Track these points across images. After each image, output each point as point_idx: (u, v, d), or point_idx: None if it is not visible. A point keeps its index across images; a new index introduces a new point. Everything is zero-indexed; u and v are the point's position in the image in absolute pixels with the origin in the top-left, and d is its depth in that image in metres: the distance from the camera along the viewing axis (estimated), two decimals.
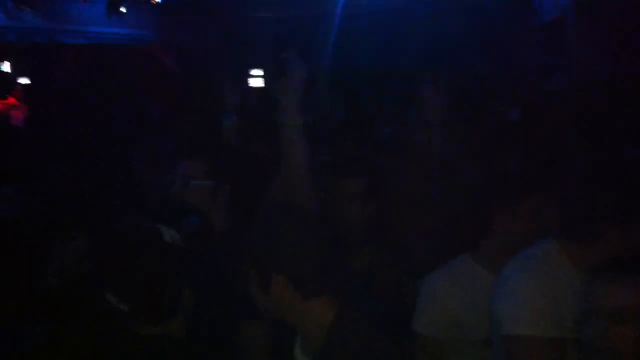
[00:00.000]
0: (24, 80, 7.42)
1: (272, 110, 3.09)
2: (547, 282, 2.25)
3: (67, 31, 7.07)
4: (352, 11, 6.17)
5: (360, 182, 3.02)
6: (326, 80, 4.36)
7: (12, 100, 7.19)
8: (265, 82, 4.38)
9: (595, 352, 2.00)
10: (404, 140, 4.37)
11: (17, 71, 7.62)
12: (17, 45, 7.15)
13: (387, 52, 7.55)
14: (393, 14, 7.28)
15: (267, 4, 7.33)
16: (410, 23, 7.24)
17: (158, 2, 7.20)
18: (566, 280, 2.26)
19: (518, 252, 2.54)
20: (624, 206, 2.31)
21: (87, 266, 2.74)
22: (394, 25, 7.33)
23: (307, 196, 2.93)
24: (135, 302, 2.08)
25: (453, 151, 3.80)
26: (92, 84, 7.26)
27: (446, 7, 7.16)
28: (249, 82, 4.74)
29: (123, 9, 6.95)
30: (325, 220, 2.36)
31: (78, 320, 2.44)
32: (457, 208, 3.23)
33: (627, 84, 5.13)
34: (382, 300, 2.80)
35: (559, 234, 2.38)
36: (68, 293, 2.64)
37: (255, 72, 6.51)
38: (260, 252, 2.09)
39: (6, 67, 7.63)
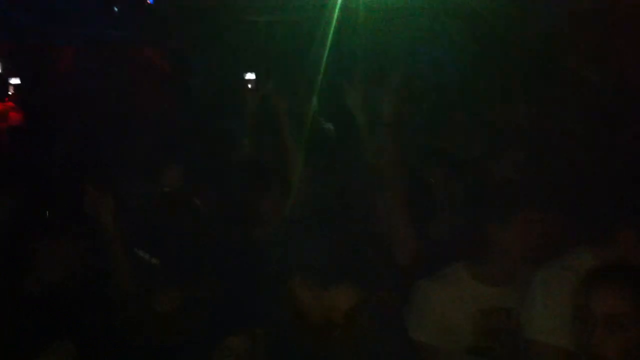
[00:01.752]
0: (15, 81, 7.39)
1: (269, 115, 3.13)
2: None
3: (59, 31, 7.08)
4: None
5: None
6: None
7: (10, 102, 7.18)
8: (257, 86, 4.39)
9: (588, 357, 2.02)
10: None
11: (10, 72, 7.59)
12: (10, 45, 7.18)
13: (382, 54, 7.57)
14: (388, 17, 7.28)
15: (259, 8, 7.34)
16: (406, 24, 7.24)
17: (150, 2, 7.22)
18: None
19: (515, 265, 2.57)
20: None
21: (84, 265, 2.75)
22: (388, 27, 7.33)
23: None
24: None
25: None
26: (84, 85, 7.25)
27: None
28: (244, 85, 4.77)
29: (115, 9, 6.97)
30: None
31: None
32: (453, 217, 3.25)
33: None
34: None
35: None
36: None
37: (248, 76, 6.52)
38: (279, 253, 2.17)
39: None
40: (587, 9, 5.95)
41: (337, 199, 3.26)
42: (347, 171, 3.59)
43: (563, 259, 2.43)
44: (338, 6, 4.66)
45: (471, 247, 2.63)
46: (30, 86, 7.15)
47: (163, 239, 2.80)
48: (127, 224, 2.60)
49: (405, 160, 3.06)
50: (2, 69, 7.57)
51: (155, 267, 2.42)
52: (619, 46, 5.56)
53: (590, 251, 2.41)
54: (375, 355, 2.14)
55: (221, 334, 2.52)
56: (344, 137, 4.30)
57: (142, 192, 2.86)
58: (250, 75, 6.50)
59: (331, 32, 4.26)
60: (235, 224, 3.05)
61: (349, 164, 3.69)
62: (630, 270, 2.07)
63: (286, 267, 2.19)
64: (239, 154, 3.79)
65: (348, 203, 3.16)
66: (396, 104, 2.90)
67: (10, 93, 7.20)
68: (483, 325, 2.59)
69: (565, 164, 3.66)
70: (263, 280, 2.50)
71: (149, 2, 7.23)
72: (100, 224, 2.55)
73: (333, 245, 2.15)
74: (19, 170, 3.78)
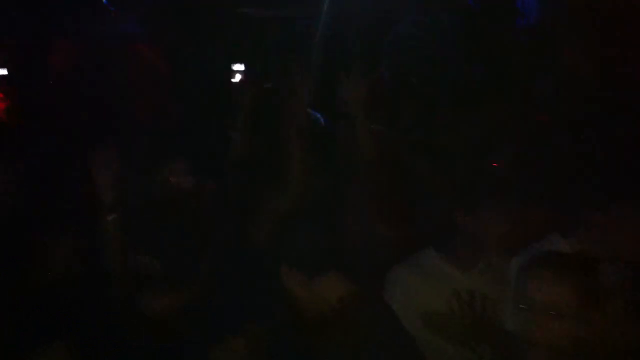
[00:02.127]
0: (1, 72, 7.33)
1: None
2: None
3: (52, 26, 7.03)
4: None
5: None
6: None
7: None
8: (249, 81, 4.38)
9: (528, 345, 2.04)
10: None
11: None
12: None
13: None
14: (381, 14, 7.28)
15: (254, 3, 7.33)
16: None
17: None
18: None
19: (488, 254, 2.61)
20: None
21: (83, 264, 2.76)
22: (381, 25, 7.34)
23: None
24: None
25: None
26: (76, 80, 7.21)
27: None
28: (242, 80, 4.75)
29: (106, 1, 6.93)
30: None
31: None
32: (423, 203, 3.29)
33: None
34: None
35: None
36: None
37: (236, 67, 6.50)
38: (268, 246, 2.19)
39: None
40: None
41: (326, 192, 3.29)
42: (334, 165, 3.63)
43: (537, 248, 2.46)
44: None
45: (445, 233, 2.68)
46: (22, 79, 7.10)
47: (162, 235, 2.83)
48: (127, 221, 2.62)
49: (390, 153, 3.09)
50: None
51: (154, 268, 2.44)
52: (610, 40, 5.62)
53: (563, 238, 2.44)
54: (370, 348, 2.16)
55: (220, 333, 2.54)
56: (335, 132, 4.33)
57: (141, 190, 2.87)
58: (239, 66, 6.47)
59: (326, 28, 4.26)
60: (233, 220, 3.08)
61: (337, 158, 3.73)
62: (579, 258, 2.09)
63: (279, 262, 2.22)
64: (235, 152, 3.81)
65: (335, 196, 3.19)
66: (359, 96, 2.92)
67: None
68: (458, 309, 2.66)
69: (541, 152, 3.71)
70: (260, 277, 2.52)
71: None
72: (100, 222, 2.56)
73: (322, 238, 2.18)
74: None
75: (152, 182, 2.93)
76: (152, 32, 7.80)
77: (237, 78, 4.44)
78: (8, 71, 7.14)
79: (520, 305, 2.07)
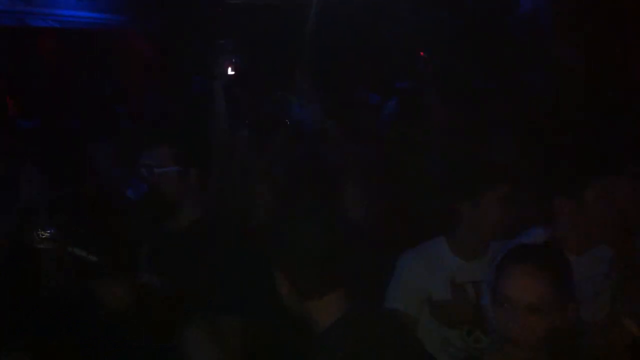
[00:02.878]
0: None
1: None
2: None
3: (38, 14, 6.93)
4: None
5: None
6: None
7: None
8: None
9: (506, 341, 2.01)
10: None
11: None
12: None
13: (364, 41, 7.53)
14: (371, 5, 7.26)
15: None
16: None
17: None
18: None
19: (486, 241, 2.62)
20: None
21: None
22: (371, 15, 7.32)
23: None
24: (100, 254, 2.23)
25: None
26: (63, 69, 7.15)
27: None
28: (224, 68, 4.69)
29: None
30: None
31: None
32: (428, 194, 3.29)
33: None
34: None
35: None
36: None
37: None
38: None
39: None
40: None
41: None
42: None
43: (521, 238, 2.46)
44: None
45: (448, 222, 2.68)
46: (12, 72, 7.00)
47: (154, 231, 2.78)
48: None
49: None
50: None
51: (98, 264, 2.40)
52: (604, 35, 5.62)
53: (543, 228, 2.45)
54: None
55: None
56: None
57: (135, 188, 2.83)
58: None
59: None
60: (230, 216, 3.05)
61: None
62: (549, 250, 2.05)
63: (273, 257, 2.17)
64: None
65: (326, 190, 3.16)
66: None
67: None
68: (456, 297, 2.67)
69: (536, 143, 3.71)
70: (256, 272, 2.49)
71: None
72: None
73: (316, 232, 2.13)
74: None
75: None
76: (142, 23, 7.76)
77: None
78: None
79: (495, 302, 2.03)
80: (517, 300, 1.94)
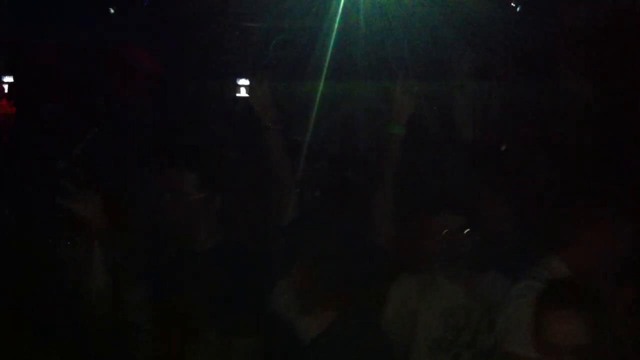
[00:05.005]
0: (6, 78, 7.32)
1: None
2: None
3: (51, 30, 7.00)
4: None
5: None
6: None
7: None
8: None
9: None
10: None
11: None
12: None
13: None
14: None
15: (256, 14, 7.32)
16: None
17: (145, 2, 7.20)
18: None
19: (480, 266, 2.68)
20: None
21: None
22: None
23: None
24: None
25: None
26: (75, 84, 7.19)
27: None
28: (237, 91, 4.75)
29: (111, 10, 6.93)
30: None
31: None
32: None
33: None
34: None
35: None
36: None
37: (242, 82, 6.52)
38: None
39: None
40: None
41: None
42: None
43: (533, 269, 2.47)
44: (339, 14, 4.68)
45: (446, 247, 2.72)
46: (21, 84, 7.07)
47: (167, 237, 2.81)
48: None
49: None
50: None
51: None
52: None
53: (559, 259, 2.45)
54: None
55: (227, 334, 2.53)
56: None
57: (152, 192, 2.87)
58: (245, 82, 6.49)
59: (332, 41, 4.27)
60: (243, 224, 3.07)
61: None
62: (582, 290, 2.06)
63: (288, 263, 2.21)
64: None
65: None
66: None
67: None
68: (447, 321, 2.73)
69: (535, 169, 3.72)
70: (268, 278, 2.52)
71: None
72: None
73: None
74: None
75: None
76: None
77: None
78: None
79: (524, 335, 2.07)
80: (562, 344, 1.97)
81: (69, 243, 2.69)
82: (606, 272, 2.48)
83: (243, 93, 6.45)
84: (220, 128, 4.95)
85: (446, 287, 2.77)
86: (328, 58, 3.85)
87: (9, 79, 7.23)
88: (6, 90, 7.24)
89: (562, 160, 3.90)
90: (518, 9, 6.25)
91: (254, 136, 3.38)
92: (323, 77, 3.77)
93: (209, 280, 2.65)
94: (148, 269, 2.74)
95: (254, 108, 3.15)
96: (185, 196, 2.76)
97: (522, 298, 2.42)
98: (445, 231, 2.69)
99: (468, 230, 2.69)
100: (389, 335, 2.67)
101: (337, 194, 3.35)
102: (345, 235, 2.63)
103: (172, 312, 2.54)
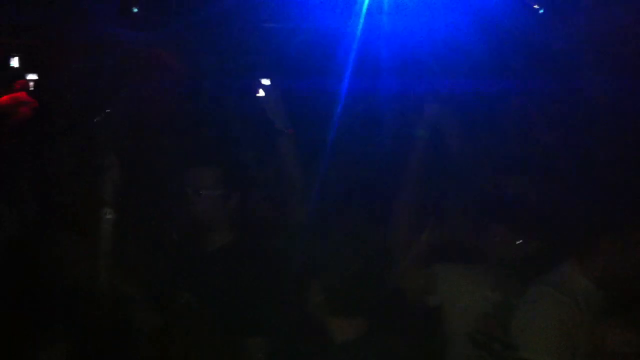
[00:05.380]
0: (32, 76, 7.37)
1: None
2: None
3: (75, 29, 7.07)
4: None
5: None
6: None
7: (20, 95, 7.13)
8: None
9: None
10: None
11: (26, 67, 7.60)
12: (26, 40, 7.17)
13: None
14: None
15: (276, 14, 7.34)
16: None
17: None
18: None
19: (503, 273, 2.67)
20: None
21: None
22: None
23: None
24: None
25: None
26: (102, 83, 7.24)
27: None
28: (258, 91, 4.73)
29: (135, 9, 6.98)
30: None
31: None
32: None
33: None
34: None
35: None
36: None
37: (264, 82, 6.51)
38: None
39: (15, 62, 7.61)
40: None
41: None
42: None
43: (551, 277, 2.45)
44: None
45: (469, 252, 2.71)
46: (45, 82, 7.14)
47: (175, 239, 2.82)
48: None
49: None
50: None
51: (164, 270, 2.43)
52: None
53: (578, 267, 2.43)
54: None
55: (235, 339, 2.53)
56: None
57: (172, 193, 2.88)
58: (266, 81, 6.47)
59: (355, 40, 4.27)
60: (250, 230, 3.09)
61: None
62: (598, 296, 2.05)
63: (300, 273, 2.21)
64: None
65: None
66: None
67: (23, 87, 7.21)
68: (473, 329, 2.71)
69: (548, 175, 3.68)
70: (277, 286, 2.52)
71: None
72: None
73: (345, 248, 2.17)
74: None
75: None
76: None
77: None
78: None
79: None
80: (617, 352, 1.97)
81: (73, 240, 2.70)
82: (623, 278, 2.45)
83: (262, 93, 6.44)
84: (239, 128, 4.95)
85: (472, 292, 2.76)
86: (352, 58, 3.85)
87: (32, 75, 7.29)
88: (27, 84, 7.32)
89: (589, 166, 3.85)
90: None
91: (272, 137, 3.41)
92: (347, 76, 3.78)
93: (226, 281, 2.66)
94: (162, 267, 2.75)
95: (268, 113, 3.19)
96: (202, 194, 2.77)
97: (535, 303, 2.41)
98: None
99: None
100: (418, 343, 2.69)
101: (362, 196, 3.36)
102: (377, 237, 2.66)
103: (185, 312, 2.55)
